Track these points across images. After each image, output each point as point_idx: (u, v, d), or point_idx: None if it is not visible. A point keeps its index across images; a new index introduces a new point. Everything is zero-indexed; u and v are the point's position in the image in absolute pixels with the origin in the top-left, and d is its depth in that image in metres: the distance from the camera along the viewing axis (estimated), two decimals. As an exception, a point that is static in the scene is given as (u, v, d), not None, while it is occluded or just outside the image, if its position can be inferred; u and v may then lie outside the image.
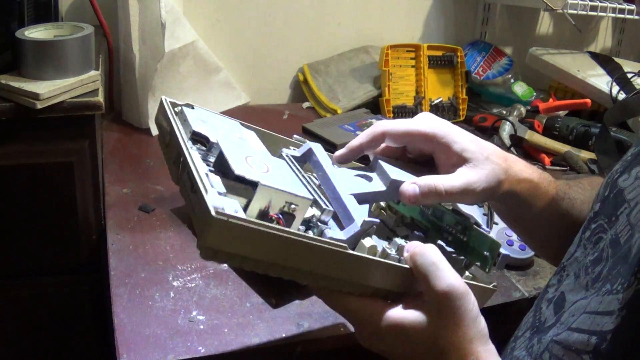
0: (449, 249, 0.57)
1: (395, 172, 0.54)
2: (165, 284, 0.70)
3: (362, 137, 0.56)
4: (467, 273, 0.56)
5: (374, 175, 0.55)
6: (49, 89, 0.79)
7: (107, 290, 0.69)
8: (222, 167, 0.47)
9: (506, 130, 1.18)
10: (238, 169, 0.45)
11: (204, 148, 0.50)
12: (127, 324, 0.63)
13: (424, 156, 0.58)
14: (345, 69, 1.33)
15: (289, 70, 1.35)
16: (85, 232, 0.90)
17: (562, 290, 0.52)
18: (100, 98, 0.84)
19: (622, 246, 0.46)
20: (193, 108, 0.56)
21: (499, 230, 0.83)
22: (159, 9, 1.01)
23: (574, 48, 1.47)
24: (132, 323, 0.63)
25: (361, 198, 0.51)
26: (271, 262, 0.43)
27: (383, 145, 0.57)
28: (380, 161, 0.55)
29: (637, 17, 1.37)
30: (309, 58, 1.35)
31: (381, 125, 0.56)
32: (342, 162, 0.57)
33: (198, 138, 0.51)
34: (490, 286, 0.55)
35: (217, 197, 0.41)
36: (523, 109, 1.25)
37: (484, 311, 0.74)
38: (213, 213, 0.38)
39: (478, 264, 0.54)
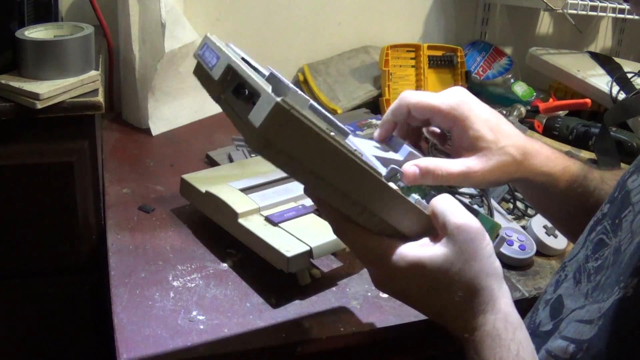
0: None
1: (411, 147, 0.59)
2: (165, 284, 0.70)
3: (389, 113, 0.60)
4: None
5: (392, 148, 0.60)
6: (49, 89, 0.79)
7: (107, 290, 0.69)
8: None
9: (506, 130, 1.18)
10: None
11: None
12: (127, 324, 0.63)
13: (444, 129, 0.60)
14: (345, 69, 1.32)
15: (289, 70, 1.35)
16: (85, 232, 0.90)
17: (560, 294, 0.51)
18: (100, 98, 0.84)
19: (622, 254, 0.45)
20: (229, 46, 0.56)
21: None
22: (159, 9, 1.01)
23: (574, 48, 1.47)
24: (132, 323, 0.63)
25: (381, 162, 0.56)
26: (313, 170, 0.43)
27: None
28: (399, 138, 0.60)
29: (637, 17, 1.37)
30: (309, 58, 1.35)
31: (406, 97, 0.58)
32: (381, 140, 0.61)
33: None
34: None
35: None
36: (523, 109, 1.25)
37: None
38: (279, 100, 0.39)
39: None
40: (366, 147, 0.58)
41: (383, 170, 0.54)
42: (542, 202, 0.63)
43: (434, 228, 0.50)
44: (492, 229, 0.56)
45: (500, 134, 0.56)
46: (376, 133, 0.61)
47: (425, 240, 0.49)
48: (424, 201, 0.52)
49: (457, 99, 0.57)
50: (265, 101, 0.40)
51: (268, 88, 0.41)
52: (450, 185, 0.62)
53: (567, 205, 0.60)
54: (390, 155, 0.59)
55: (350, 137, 0.57)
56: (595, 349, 0.41)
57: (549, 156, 0.58)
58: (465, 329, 0.47)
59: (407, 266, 0.47)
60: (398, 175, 0.53)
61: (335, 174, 0.44)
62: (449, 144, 0.60)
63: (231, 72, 0.48)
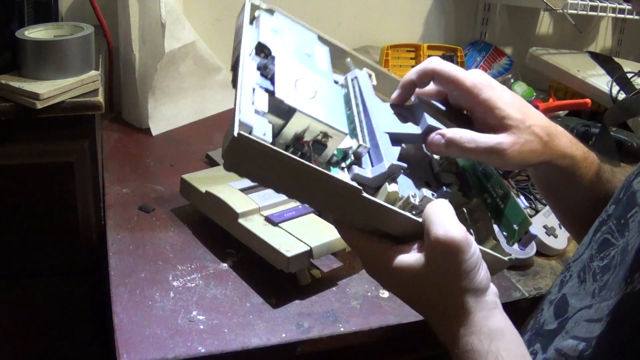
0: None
1: (432, 119, 0.54)
2: (165, 284, 0.70)
3: (412, 73, 0.56)
4: (491, 239, 0.55)
5: (412, 116, 0.55)
6: (49, 89, 0.79)
7: (107, 290, 0.69)
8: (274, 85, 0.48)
9: (506, 130, 1.18)
10: (280, 91, 0.46)
11: (265, 59, 0.50)
12: (127, 324, 0.63)
13: (461, 109, 0.56)
14: (345, 69, 1.32)
15: (289, 70, 1.35)
16: (85, 232, 0.90)
17: (564, 293, 0.51)
18: (100, 98, 0.84)
19: (629, 253, 0.45)
20: (273, 14, 0.56)
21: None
22: (159, 9, 1.01)
23: (574, 48, 1.47)
24: (132, 323, 0.63)
25: (395, 138, 0.52)
26: (285, 187, 0.45)
27: (431, 86, 0.56)
28: (421, 104, 0.55)
29: (637, 17, 1.37)
30: (309, 58, 1.34)
31: (433, 62, 0.55)
32: (399, 102, 0.56)
33: (262, 49, 0.51)
34: (505, 258, 0.53)
35: (252, 115, 0.43)
36: (523, 109, 1.25)
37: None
38: (235, 133, 0.41)
39: (505, 234, 0.54)
40: (383, 118, 0.54)
41: (394, 152, 0.50)
42: (560, 189, 0.60)
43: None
44: (523, 225, 0.53)
45: (526, 114, 0.54)
46: (394, 95, 0.57)
47: (413, 246, 0.48)
48: (432, 197, 0.49)
49: (480, 78, 0.54)
50: (231, 129, 0.42)
51: (241, 112, 0.42)
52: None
53: (583, 194, 0.59)
54: (408, 128, 0.54)
55: (370, 102, 0.54)
56: (604, 344, 0.41)
57: (570, 139, 0.57)
58: (447, 338, 0.48)
59: (393, 270, 0.48)
60: (401, 170, 0.49)
61: (306, 189, 0.45)
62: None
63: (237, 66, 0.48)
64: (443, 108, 0.57)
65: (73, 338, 0.96)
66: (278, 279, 0.71)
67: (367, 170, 0.49)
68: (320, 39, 0.59)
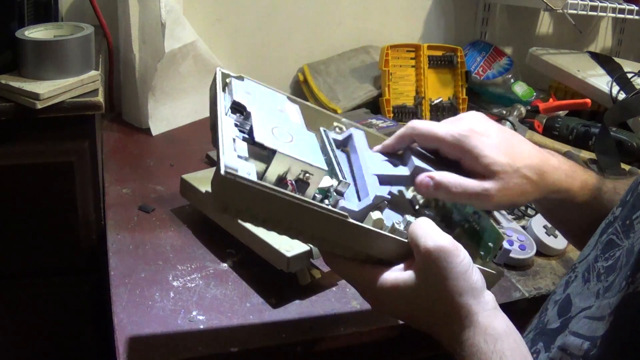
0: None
1: (419, 161, 0.57)
2: (165, 284, 0.70)
3: (393, 139, 0.59)
4: (478, 259, 0.57)
5: (401, 161, 0.59)
6: (49, 89, 0.79)
7: (107, 290, 0.69)
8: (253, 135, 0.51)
9: (506, 130, 1.18)
10: (259, 136, 0.49)
11: (241, 117, 0.54)
12: (127, 324, 0.63)
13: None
14: (345, 69, 1.32)
15: (289, 70, 1.35)
16: (85, 232, 0.90)
17: (568, 292, 0.52)
18: (100, 98, 0.84)
19: (634, 255, 0.45)
20: (243, 80, 0.60)
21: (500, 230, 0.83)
22: (159, 9, 1.01)
23: (574, 48, 1.47)
24: (132, 323, 0.63)
25: (384, 179, 0.55)
26: (275, 221, 0.47)
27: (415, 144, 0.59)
28: (410, 150, 0.59)
29: (637, 17, 1.37)
30: (309, 58, 1.35)
31: (410, 127, 0.58)
32: (381, 151, 0.60)
33: (238, 107, 0.55)
34: (493, 271, 0.56)
35: (235, 160, 0.46)
36: (523, 109, 1.25)
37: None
38: (222, 172, 0.43)
39: (482, 253, 0.57)
40: (373, 164, 0.57)
41: (382, 190, 0.53)
42: (559, 216, 0.62)
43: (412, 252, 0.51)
44: (497, 241, 0.55)
45: (514, 156, 0.54)
46: (376, 148, 0.60)
47: (403, 265, 0.50)
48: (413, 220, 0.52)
49: (464, 127, 0.55)
50: (217, 170, 0.44)
51: (224, 154, 0.45)
52: None
53: (584, 219, 0.60)
54: (397, 171, 0.57)
55: (363, 153, 0.57)
56: (607, 345, 0.42)
57: (566, 171, 0.57)
58: (452, 345, 0.49)
59: (389, 291, 0.50)
60: (385, 201, 0.52)
61: (294, 221, 0.47)
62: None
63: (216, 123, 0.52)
64: (432, 157, 0.60)
65: (73, 338, 0.96)
66: (278, 279, 0.71)
67: (354, 204, 0.52)
68: (290, 98, 0.63)
